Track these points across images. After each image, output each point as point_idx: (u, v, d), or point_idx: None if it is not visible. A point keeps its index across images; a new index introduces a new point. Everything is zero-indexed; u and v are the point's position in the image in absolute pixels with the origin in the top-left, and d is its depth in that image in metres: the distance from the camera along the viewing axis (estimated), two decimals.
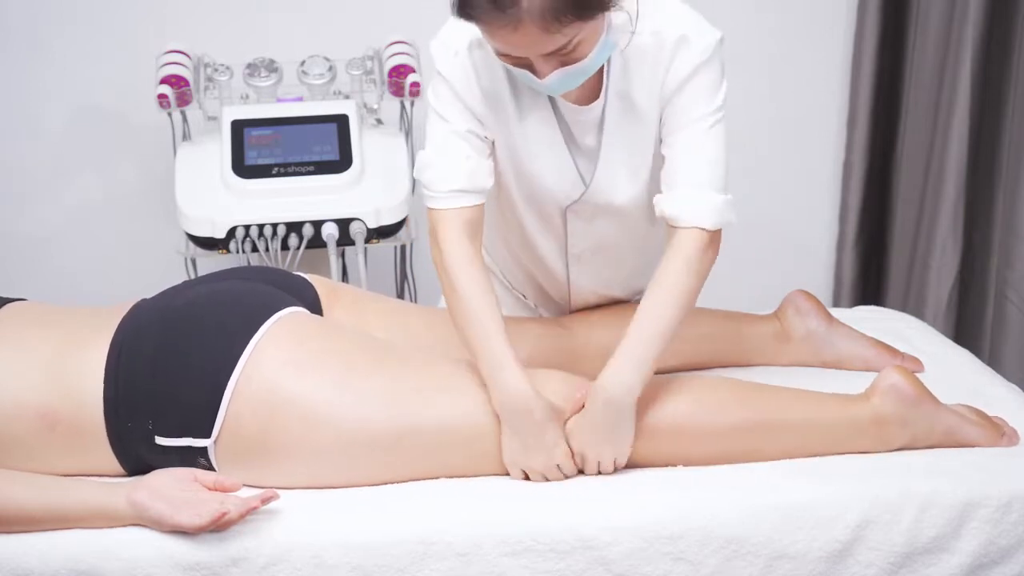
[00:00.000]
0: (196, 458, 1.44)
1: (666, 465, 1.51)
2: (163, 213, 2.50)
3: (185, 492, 1.36)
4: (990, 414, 1.59)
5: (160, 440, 1.43)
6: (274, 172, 2.14)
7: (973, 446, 1.55)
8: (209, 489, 1.38)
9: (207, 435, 1.42)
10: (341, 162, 2.16)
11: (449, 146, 1.57)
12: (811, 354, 1.84)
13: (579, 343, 1.76)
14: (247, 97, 2.28)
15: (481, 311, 1.52)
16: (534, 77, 1.44)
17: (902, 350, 1.85)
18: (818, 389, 1.61)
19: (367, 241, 2.13)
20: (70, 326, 1.51)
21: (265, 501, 1.35)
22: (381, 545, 1.37)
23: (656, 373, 1.51)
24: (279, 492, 1.39)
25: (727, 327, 1.85)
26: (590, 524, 1.38)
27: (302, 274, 1.71)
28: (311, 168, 2.15)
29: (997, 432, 1.56)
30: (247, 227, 2.08)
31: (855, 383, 1.68)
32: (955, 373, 1.78)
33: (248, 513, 1.34)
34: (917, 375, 1.63)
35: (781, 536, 1.40)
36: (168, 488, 1.36)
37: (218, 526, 1.33)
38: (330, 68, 2.27)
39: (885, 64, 2.66)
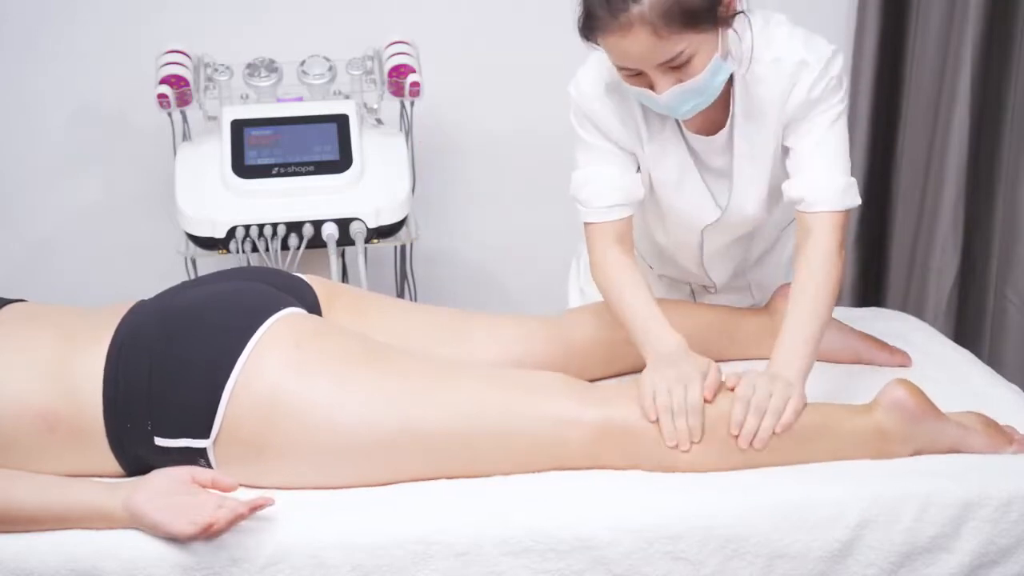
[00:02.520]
0: (196, 459, 1.43)
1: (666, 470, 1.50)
2: (163, 213, 2.50)
3: (182, 495, 1.36)
4: (990, 414, 1.58)
5: (159, 441, 1.43)
6: (274, 172, 2.14)
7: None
8: (206, 487, 1.37)
9: (206, 436, 1.42)
10: (341, 162, 2.15)
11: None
12: None
13: (574, 339, 1.77)
14: (247, 97, 2.28)
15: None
16: (653, 96, 1.52)
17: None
18: (809, 382, 1.60)
19: (367, 241, 2.13)
20: (70, 326, 1.50)
21: (258, 508, 1.34)
22: (381, 545, 1.37)
23: None
24: (279, 492, 1.39)
25: (719, 322, 1.85)
26: (590, 524, 1.38)
27: (301, 275, 1.71)
28: (311, 168, 2.15)
29: (1005, 439, 1.53)
30: (247, 227, 2.08)
31: (845, 375, 1.72)
32: (955, 373, 1.77)
33: (240, 519, 1.34)
34: (917, 376, 1.62)
35: (781, 536, 1.40)
36: (164, 494, 1.35)
37: (210, 534, 1.33)
38: (330, 68, 2.27)
39: (885, 64, 2.66)
